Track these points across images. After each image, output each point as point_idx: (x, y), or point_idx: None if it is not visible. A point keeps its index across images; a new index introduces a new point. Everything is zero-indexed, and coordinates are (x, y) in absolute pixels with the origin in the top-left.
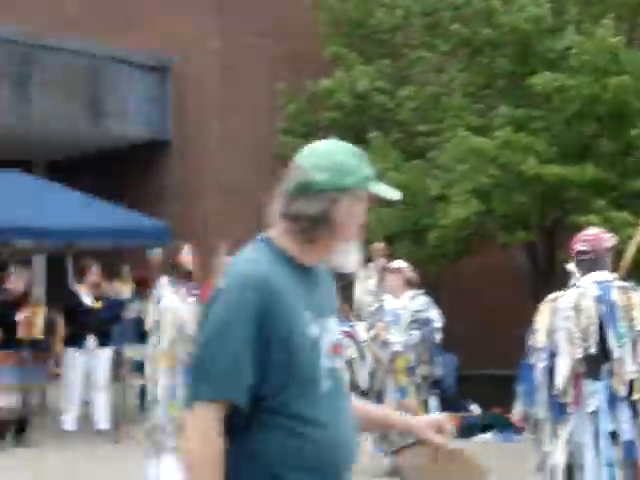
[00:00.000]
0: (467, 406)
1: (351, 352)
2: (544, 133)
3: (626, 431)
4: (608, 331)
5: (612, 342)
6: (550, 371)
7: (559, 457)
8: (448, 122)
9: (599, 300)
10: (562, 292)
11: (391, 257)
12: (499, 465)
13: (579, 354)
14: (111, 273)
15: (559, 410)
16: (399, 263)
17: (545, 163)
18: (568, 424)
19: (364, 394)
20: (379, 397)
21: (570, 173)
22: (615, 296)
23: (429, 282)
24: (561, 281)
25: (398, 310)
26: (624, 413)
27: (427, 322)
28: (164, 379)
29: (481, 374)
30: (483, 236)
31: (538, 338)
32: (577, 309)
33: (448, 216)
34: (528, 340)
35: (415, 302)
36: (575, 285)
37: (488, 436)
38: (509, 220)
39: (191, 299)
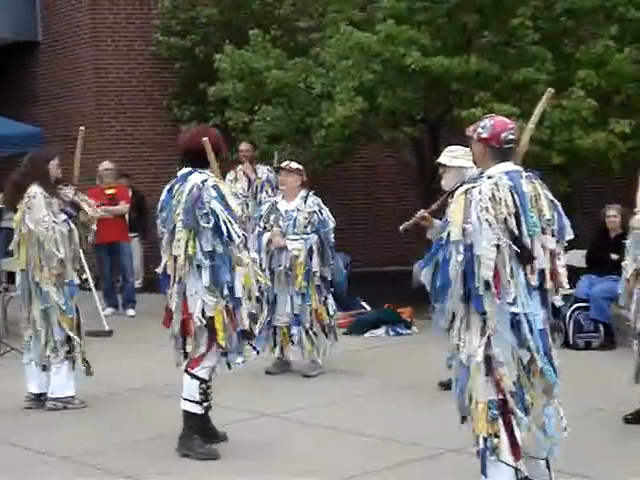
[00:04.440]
0: (359, 303)
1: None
2: (427, 26)
3: (538, 320)
4: (522, 221)
5: (525, 232)
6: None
7: (477, 349)
8: (329, 17)
9: (513, 190)
10: (471, 184)
11: (255, 160)
12: (394, 358)
13: (504, 245)
14: None
15: (475, 302)
16: (293, 164)
17: (428, 57)
18: (485, 315)
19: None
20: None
21: (454, 64)
22: (525, 186)
23: (316, 181)
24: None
25: (293, 213)
26: (536, 302)
27: (323, 224)
28: (54, 295)
29: (370, 271)
30: (368, 134)
31: (453, 232)
32: (494, 200)
33: (333, 115)
34: (442, 234)
35: (308, 203)
36: (487, 176)
37: (380, 331)
38: (394, 117)
39: (62, 216)
